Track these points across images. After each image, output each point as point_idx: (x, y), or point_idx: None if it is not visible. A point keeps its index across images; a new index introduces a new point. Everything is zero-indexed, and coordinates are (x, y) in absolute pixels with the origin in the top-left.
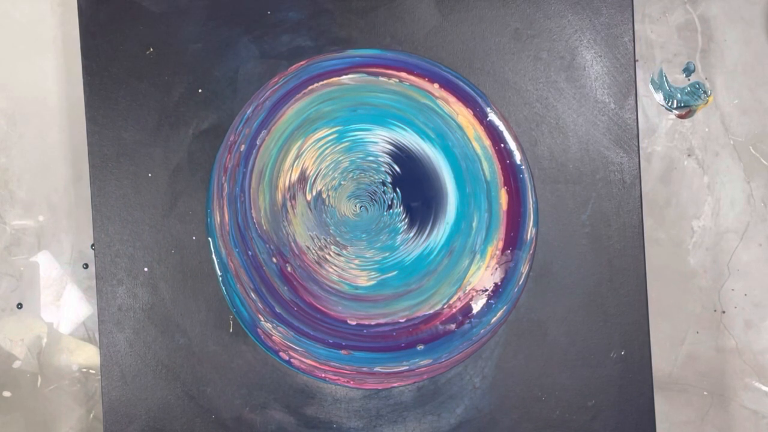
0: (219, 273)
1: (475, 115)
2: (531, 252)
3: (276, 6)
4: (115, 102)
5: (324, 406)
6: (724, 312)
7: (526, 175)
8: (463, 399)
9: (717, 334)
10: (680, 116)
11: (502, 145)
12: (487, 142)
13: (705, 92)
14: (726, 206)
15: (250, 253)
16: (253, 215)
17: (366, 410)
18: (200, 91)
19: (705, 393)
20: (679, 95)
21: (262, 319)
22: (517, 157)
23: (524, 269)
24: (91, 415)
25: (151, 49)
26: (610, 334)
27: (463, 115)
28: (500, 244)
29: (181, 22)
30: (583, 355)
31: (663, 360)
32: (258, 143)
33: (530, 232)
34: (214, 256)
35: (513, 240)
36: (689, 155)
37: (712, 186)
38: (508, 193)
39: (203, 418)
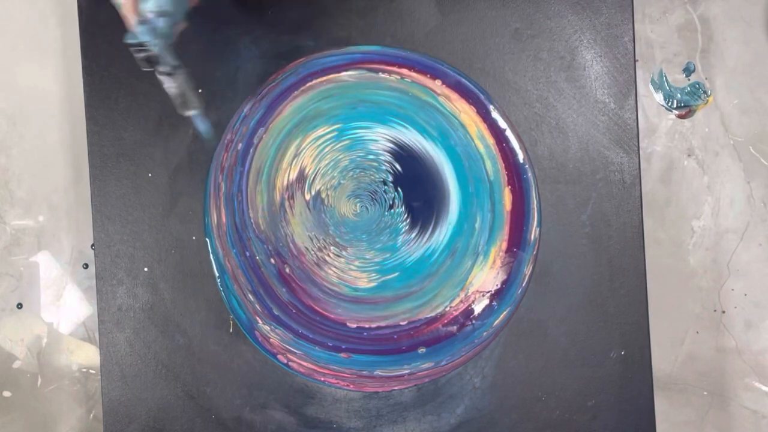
0: (217, 274)
1: (478, 112)
2: (534, 253)
3: (276, 6)
4: (115, 102)
5: (324, 406)
6: (724, 312)
7: (529, 175)
8: (463, 399)
9: (717, 334)
10: (680, 116)
11: (506, 143)
12: (491, 141)
13: (705, 92)
14: (726, 206)
15: (247, 253)
16: (251, 215)
17: (366, 410)
18: (200, 91)
19: (705, 393)
20: (679, 95)
21: (260, 321)
22: (521, 156)
23: (527, 270)
24: (91, 415)
25: None
26: (610, 334)
27: (465, 113)
28: (504, 245)
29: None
30: (583, 355)
31: (663, 360)
32: (255, 141)
33: (534, 232)
34: (211, 256)
35: (516, 241)
36: (689, 155)
37: (712, 186)
38: (512, 192)
39: (203, 418)
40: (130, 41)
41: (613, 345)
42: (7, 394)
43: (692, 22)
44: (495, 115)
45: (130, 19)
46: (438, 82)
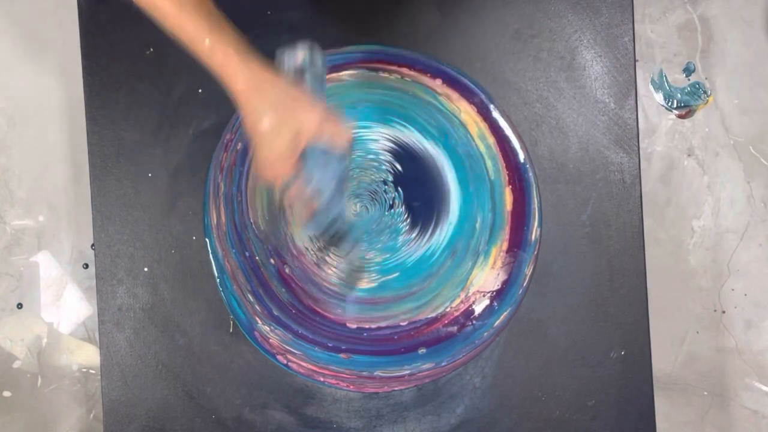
0: (216, 274)
1: (478, 112)
2: (535, 253)
3: (276, 6)
4: (115, 102)
5: (324, 406)
6: (724, 312)
7: (530, 174)
8: (463, 399)
9: (717, 334)
10: (680, 116)
11: (506, 143)
12: (492, 140)
13: (705, 92)
14: (726, 206)
15: (247, 254)
16: (251, 215)
17: (366, 410)
18: (200, 91)
19: (705, 393)
20: (679, 95)
21: (259, 321)
22: (521, 155)
23: (528, 271)
24: (91, 415)
25: (151, 49)
26: (610, 334)
27: (466, 112)
28: (504, 245)
29: None
30: (583, 355)
31: (663, 360)
32: None
33: (535, 232)
34: (211, 257)
35: (517, 241)
36: (689, 155)
37: (712, 186)
38: (513, 192)
39: (203, 418)
40: (314, 231)
41: (613, 345)
42: (7, 394)
43: (692, 22)
44: (495, 114)
45: (307, 212)
46: (438, 81)
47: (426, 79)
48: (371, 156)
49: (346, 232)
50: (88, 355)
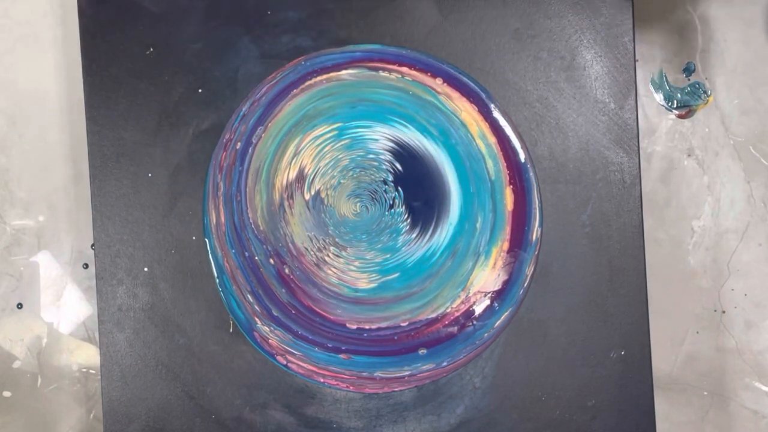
0: (215, 275)
1: (479, 111)
2: (536, 253)
3: (276, 6)
4: (115, 102)
5: (324, 406)
6: (724, 312)
7: (531, 174)
8: (463, 399)
9: (717, 334)
10: (680, 116)
11: (507, 143)
12: (492, 140)
13: (705, 92)
14: (726, 206)
15: (246, 254)
16: (250, 215)
17: (366, 410)
18: (200, 91)
19: (705, 393)
20: (679, 95)
21: (258, 322)
22: (522, 155)
23: (529, 271)
24: (91, 415)
25: (151, 49)
26: (610, 334)
27: (466, 112)
28: (505, 245)
29: (181, 22)
30: (583, 355)
31: (663, 360)
32: (254, 141)
33: (535, 232)
34: (211, 257)
35: (518, 241)
36: (689, 155)
37: (712, 186)
38: (514, 192)
39: (203, 418)
40: None
41: (613, 345)
42: (7, 394)
43: (692, 22)
44: (496, 114)
45: None
46: (438, 81)
47: (426, 79)
48: (371, 156)
49: None
50: (88, 355)
